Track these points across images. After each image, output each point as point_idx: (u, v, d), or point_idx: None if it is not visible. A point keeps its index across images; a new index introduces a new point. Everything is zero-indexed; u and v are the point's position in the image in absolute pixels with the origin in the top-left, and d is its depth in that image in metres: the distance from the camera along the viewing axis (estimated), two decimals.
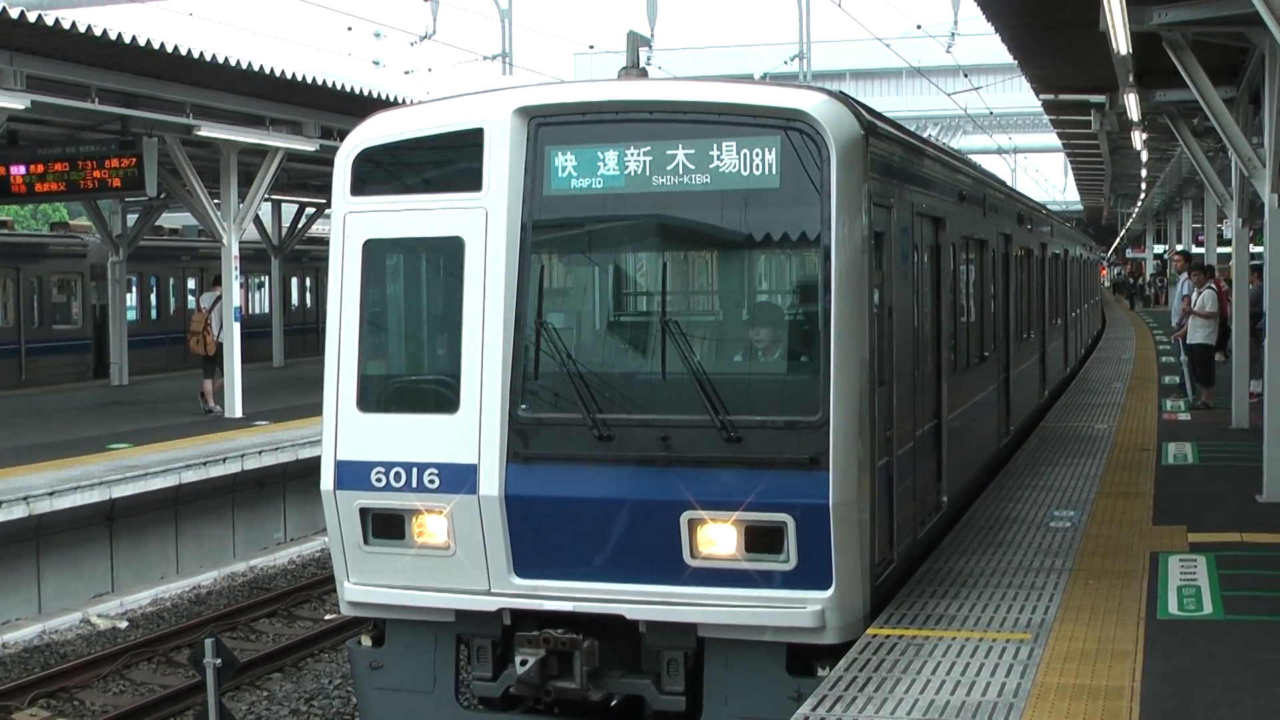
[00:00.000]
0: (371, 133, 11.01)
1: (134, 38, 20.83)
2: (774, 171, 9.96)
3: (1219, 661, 9.56)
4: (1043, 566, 12.27)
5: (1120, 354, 38.33)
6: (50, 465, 20.58)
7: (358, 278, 10.90)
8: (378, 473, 10.68)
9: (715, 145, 10.07)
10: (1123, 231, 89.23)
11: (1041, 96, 26.14)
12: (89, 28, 20.17)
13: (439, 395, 10.82)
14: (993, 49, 26.61)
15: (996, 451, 17.89)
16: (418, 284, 11.47)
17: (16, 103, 20.75)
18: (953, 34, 44.81)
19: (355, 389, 10.86)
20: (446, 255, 10.79)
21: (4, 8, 18.74)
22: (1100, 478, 17.06)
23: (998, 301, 18.06)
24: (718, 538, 10.03)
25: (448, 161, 10.83)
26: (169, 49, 21.70)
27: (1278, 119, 15.25)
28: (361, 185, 10.92)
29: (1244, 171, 17.69)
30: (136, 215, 35.48)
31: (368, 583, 10.92)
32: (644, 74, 11.31)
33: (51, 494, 18.54)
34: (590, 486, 10.28)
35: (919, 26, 48.53)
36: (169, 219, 44.24)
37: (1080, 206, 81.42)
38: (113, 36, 20.52)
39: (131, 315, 37.66)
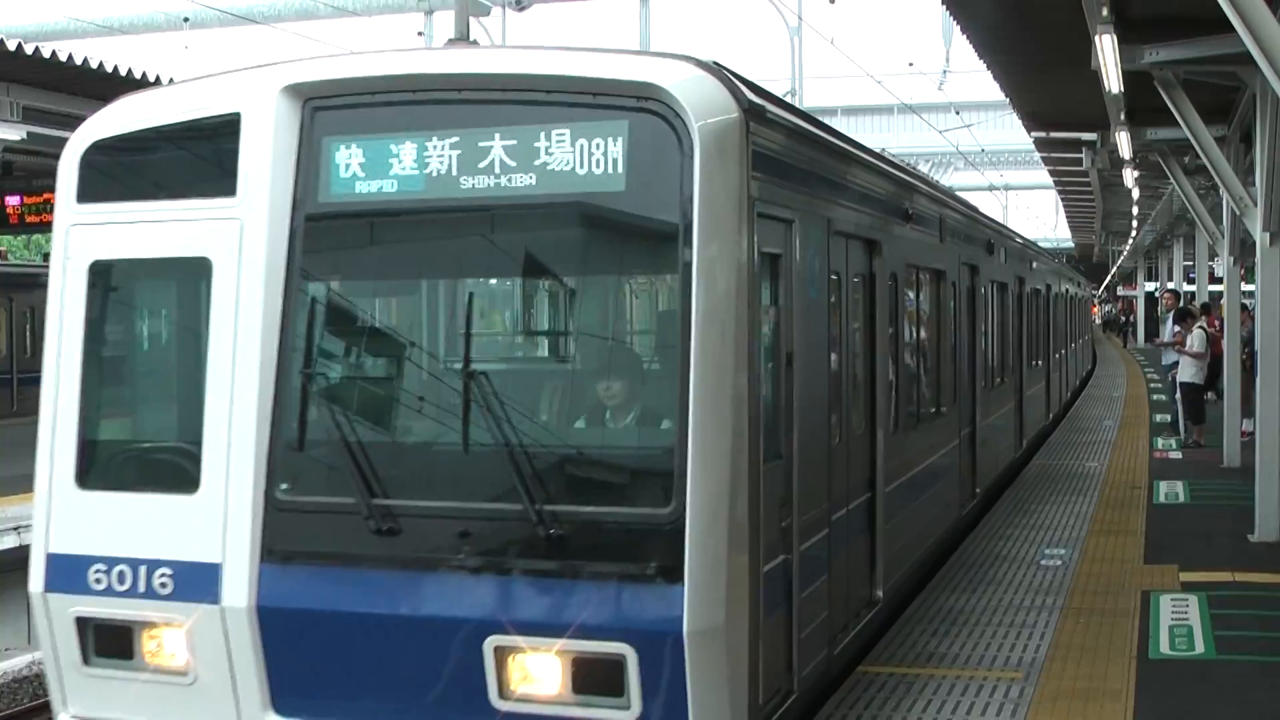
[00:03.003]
0: (107, 123, 8.54)
1: (129, 70, 20.86)
2: (618, 169, 7.52)
3: (1211, 702, 9.54)
4: (1034, 605, 12.25)
5: (1111, 392, 38.35)
6: None
7: (81, 310, 8.39)
8: (97, 571, 8.18)
9: (543, 134, 7.61)
10: (1114, 269, 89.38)
11: (1033, 134, 26.22)
12: (85, 60, 20.19)
13: (176, 469, 8.20)
14: (984, 86, 26.72)
15: (957, 520, 15.47)
16: (155, 320, 9.21)
17: (12, 134, 20.75)
18: (945, 71, 44.99)
19: (74, 458, 8.35)
20: (190, 282, 8.35)
21: (2, 39, 18.76)
22: (1091, 516, 17.04)
23: (960, 343, 15.69)
24: (536, 672, 7.48)
25: (195, 158, 8.38)
26: (164, 82, 21.74)
27: (1269, 157, 15.29)
28: (90, 189, 8.44)
29: (1235, 210, 17.74)
30: None
31: (90, 715, 8.35)
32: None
33: None
34: (367, 598, 7.73)
35: (911, 64, 48.73)
36: None
37: (1071, 243, 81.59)
38: (108, 69, 20.56)
39: None
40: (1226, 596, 12.59)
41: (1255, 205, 16.01)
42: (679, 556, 7.20)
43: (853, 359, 10.49)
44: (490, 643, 7.46)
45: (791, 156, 8.78)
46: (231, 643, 7.88)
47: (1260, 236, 15.82)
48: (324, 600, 7.79)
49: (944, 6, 16.33)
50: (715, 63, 7.88)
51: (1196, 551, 14.68)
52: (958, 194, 19.66)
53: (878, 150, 12.94)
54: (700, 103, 7.48)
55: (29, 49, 19.29)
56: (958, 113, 50.94)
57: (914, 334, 13.28)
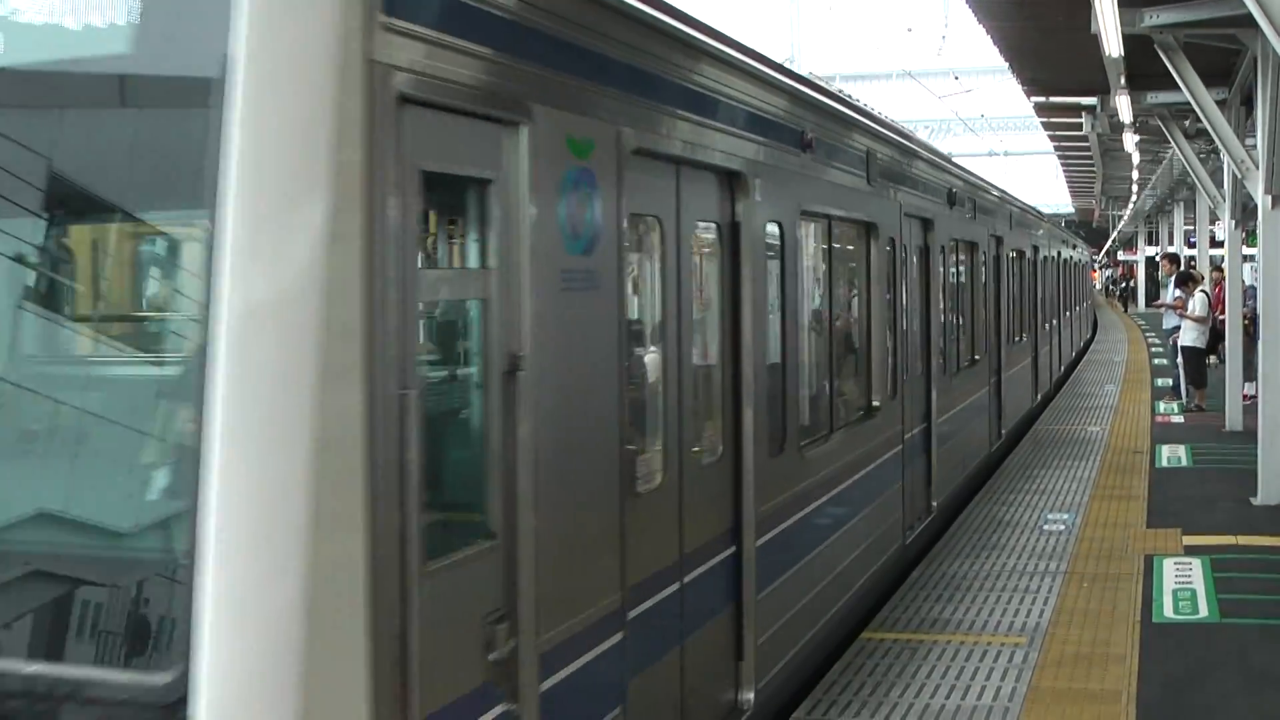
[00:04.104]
0: None
1: None
2: (125, 19, 4.17)
3: (1215, 665, 9.53)
4: (1037, 570, 12.23)
5: (1112, 356, 38.32)
6: None
7: None
8: None
9: None
10: (1114, 234, 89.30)
11: (1033, 99, 26.14)
12: None
13: None
14: (984, 51, 26.64)
15: (900, 550, 12.17)
16: None
17: None
18: (943, 36, 44.93)
19: None
20: None
21: None
22: (1094, 480, 17.02)
23: (905, 320, 12.52)
24: None
25: None
26: None
27: (1270, 120, 15.23)
28: None
29: (1236, 173, 17.69)
30: None
31: None
32: None
33: None
34: None
35: (909, 29, 48.66)
36: None
37: (1072, 209, 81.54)
38: None
39: None
40: (1229, 560, 12.57)
41: (1257, 168, 15.96)
42: None
43: (690, 353, 7.17)
44: None
45: (508, 5, 5.16)
46: None
47: (1262, 199, 15.76)
48: None
49: None
50: None
51: (1199, 515, 14.66)
52: (903, 126, 15.09)
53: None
54: None
55: None
56: (956, 78, 50.90)
57: (822, 309, 10.15)
